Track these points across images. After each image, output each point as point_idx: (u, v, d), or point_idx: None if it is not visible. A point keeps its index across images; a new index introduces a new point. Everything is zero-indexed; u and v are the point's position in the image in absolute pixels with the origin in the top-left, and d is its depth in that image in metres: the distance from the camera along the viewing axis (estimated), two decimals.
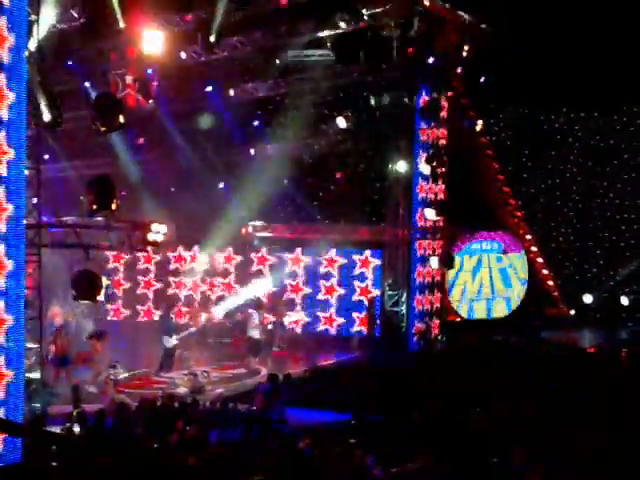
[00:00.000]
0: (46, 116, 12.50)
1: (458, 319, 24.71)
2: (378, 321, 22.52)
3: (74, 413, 12.14)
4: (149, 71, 15.97)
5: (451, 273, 23.84)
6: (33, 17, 11.73)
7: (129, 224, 13.65)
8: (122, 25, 13.68)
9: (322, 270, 22.95)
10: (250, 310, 20.25)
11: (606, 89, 24.24)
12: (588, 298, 26.98)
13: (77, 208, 19.22)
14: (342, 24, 17.39)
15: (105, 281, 14.33)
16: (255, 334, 19.77)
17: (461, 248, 24.82)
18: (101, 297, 13.56)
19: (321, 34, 18.09)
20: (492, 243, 25.72)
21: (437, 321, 22.61)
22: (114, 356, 16.68)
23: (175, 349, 19.21)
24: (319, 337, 23.29)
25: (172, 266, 24.62)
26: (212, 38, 15.28)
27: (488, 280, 25.53)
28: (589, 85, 23.86)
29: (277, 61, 18.97)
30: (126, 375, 17.10)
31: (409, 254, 21.93)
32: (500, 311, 25.69)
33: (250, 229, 23.98)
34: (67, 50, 14.77)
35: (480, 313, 25.12)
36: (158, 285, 24.63)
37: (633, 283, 27.35)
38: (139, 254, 23.04)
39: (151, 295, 24.71)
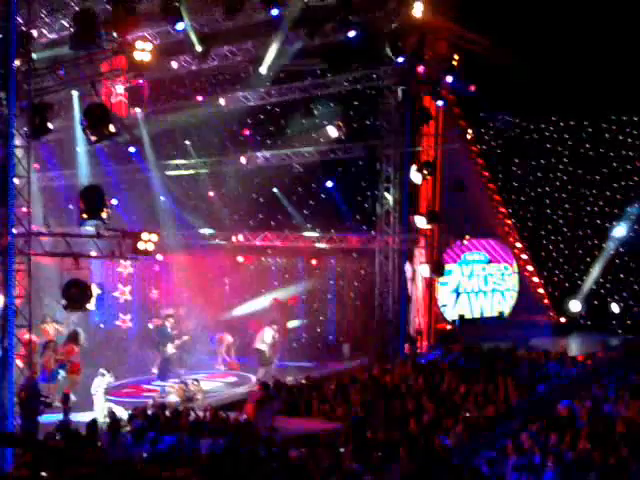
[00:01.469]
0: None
1: (448, 326, 24.77)
2: (369, 329, 22.55)
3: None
4: (140, 80, 15.98)
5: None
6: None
7: (119, 233, 13.62)
8: (113, 35, 13.70)
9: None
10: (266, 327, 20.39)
11: (595, 98, 24.35)
12: (576, 306, 27.06)
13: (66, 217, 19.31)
14: (333, 34, 17.47)
15: (95, 290, 14.25)
16: (262, 347, 19.90)
17: (460, 258, 25.11)
18: (91, 306, 13.51)
19: (312, 43, 18.15)
20: (479, 254, 26.06)
21: (427, 328, 22.66)
22: (103, 364, 16.63)
23: (172, 357, 19.30)
24: (311, 345, 23.35)
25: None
26: (198, 48, 15.28)
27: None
28: (578, 94, 23.96)
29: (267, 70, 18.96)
30: (116, 383, 17.05)
31: (400, 262, 22.00)
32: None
33: (241, 237, 23.94)
34: (58, 59, 14.79)
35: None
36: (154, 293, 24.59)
37: (623, 290, 27.49)
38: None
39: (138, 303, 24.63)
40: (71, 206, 19.49)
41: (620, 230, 26.85)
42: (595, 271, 27.26)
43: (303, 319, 23.98)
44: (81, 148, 19.20)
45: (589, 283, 27.33)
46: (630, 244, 27.27)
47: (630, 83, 23.06)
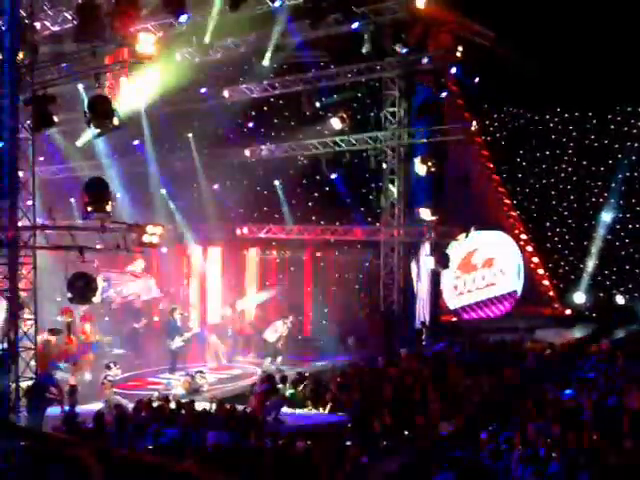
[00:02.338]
0: None
1: (454, 319, 24.76)
2: (374, 321, 22.53)
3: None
4: (144, 73, 15.92)
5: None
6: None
7: (124, 226, 13.60)
8: (116, 27, 13.64)
9: None
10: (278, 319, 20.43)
11: (600, 89, 24.26)
12: (580, 297, 27.03)
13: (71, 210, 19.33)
14: (337, 25, 17.40)
15: (101, 282, 14.24)
16: (270, 337, 19.88)
17: None
18: (97, 299, 13.52)
19: (316, 35, 18.07)
20: None
21: (432, 320, 22.63)
22: (110, 357, 16.68)
23: (180, 350, 19.29)
24: (315, 338, 23.32)
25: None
26: (207, 39, 15.26)
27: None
28: (583, 85, 23.88)
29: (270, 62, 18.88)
30: (122, 376, 17.07)
31: (404, 254, 21.97)
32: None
33: (245, 230, 23.92)
34: (61, 52, 14.75)
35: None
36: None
37: (628, 281, 27.45)
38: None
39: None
40: (72, 199, 19.51)
41: (607, 215, 27.02)
42: (592, 259, 27.32)
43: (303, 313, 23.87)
44: (84, 141, 19.20)
45: (587, 272, 27.39)
46: (637, 236, 27.30)
47: (635, 74, 22.98)
